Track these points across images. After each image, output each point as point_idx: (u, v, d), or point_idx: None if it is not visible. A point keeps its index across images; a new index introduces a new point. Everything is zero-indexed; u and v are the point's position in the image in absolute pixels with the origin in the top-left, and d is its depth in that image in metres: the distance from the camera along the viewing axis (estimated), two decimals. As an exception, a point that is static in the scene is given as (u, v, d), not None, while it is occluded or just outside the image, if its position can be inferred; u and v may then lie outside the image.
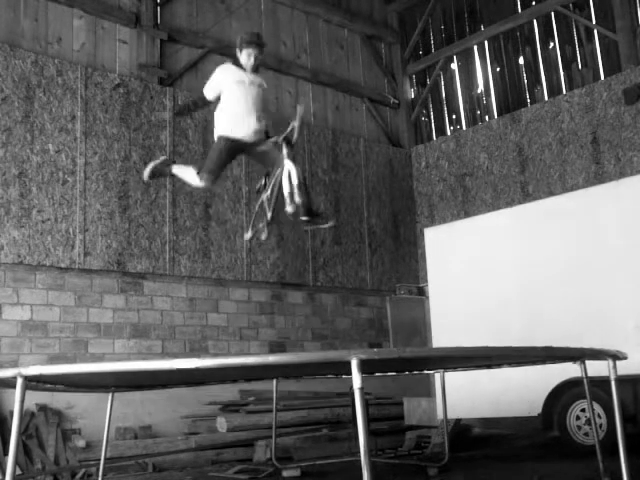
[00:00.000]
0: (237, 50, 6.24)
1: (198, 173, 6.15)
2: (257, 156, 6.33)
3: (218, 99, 6.23)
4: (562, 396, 7.16)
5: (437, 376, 7.20)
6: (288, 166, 5.87)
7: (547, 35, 11.30)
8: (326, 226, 6.41)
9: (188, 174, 6.29)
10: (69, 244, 8.51)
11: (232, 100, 6.14)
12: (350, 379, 3.11)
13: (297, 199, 5.80)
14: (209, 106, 6.46)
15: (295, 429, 8.71)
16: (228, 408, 9.00)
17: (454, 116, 12.45)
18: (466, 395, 7.47)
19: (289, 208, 5.89)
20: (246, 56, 6.16)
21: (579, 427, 7.09)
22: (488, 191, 11.35)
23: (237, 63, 6.22)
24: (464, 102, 12.34)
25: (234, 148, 6.15)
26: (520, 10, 11.50)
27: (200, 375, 4.38)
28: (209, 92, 6.23)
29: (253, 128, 6.09)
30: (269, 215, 6.33)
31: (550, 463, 6.69)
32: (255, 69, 6.27)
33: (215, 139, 6.22)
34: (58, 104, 8.68)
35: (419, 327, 10.87)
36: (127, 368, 3.49)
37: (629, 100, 9.80)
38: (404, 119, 12.74)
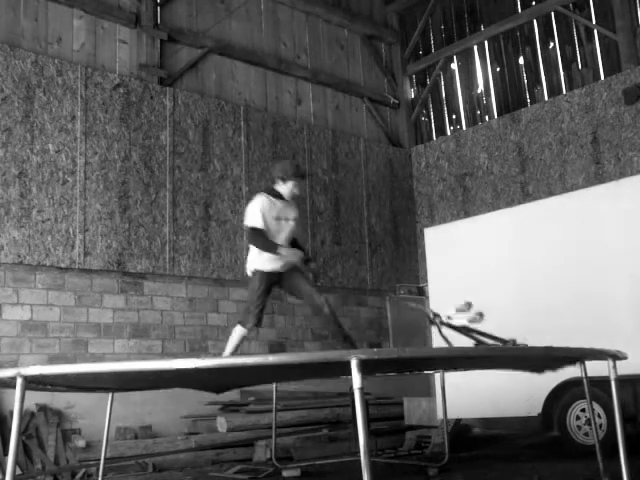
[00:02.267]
0: (278, 180, 6.13)
1: (241, 323, 6.12)
2: (289, 288, 6.22)
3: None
4: (562, 396, 7.15)
5: (437, 376, 7.19)
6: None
7: (547, 35, 11.30)
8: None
9: (236, 335, 6.26)
10: (69, 244, 8.51)
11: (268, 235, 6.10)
12: (350, 379, 3.11)
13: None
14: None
15: (295, 429, 8.70)
16: (228, 408, 9.00)
17: (454, 116, 12.45)
18: (466, 395, 7.46)
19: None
20: (291, 187, 6.07)
21: (579, 427, 7.09)
22: (488, 191, 11.35)
23: (272, 193, 6.14)
24: (464, 102, 12.34)
25: (269, 281, 6.09)
26: (520, 10, 11.50)
27: (200, 380, 4.36)
28: (259, 222, 6.02)
29: (285, 260, 6.00)
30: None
31: (550, 463, 6.69)
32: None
33: (249, 273, 6.21)
34: (58, 104, 8.68)
35: (419, 327, 10.86)
36: (127, 368, 3.49)
37: (629, 100, 9.80)
38: (404, 119, 12.75)
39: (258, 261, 6.03)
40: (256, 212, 6.01)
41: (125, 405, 8.16)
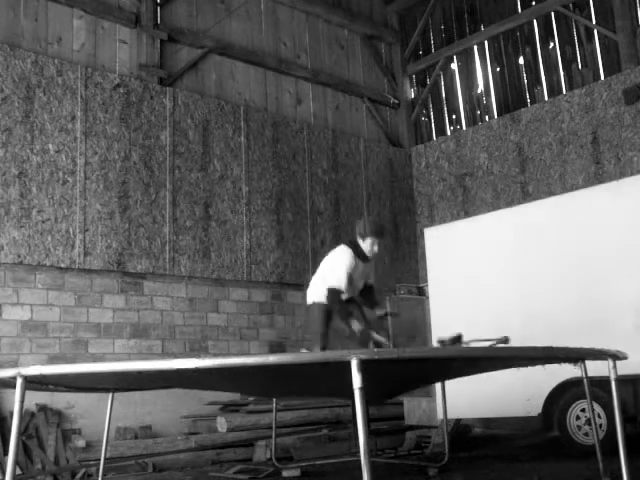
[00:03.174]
0: (359, 237, 6.35)
1: (308, 348, 6.43)
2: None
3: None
4: (562, 396, 7.15)
5: (437, 376, 7.18)
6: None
7: (547, 35, 11.30)
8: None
9: None
10: (69, 244, 8.51)
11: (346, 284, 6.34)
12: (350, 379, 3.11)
13: None
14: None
15: (295, 429, 8.70)
16: (228, 408, 9.00)
17: (454, 116, 12.45)
18: (466, 395, 7.45)
19: None
20: (371, 245, 6.30)
21: (579, 427, 7.09)
22: (488, 191, 11.35)
23: (356, 251, 6.34)
24: (464, 102, 12.34)
25: (330, 314, 6.36)
26: (520, 10, 11.50)
27: (198, 381, 4.36)
28: (343, 284, 6.24)
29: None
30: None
31: (550, 463, 6.69)
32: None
33: (311, 302, 6.43)
34: (58, 104, 8.68)
35: (419, 327, 10.86)
36: (127, 368, 3.49)
37: (629, 100, 9.80)
38: (404, 119, 12.75)
39: (318, 294, 6.34)
40: (343, 273, 6.24)
41: (125, 405, 8.17)
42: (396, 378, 4.45)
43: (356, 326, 6.17)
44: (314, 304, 6.37)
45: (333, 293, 6.22)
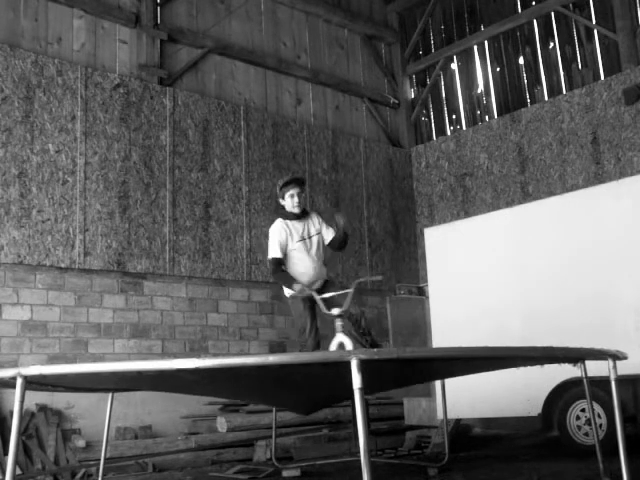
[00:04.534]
0: (280, 199, 6.01)
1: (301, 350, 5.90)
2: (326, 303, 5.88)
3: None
4: (562, 396, 7.15)
5: (437, 376, 7.18)
6: (340, 339, 5.56)
7: (547, 35, 11.30)
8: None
9: None
10: (69, 244, 8.51)
11: (294, 260, 5.97)
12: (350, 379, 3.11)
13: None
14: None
15: (295, 429, 8.70)
16: (228, 408, 8.99)
17: (454, 116, 12.45)
18: (466, 395, 7.46)
19: None
20: (290, 199, 5.91)
21: (579, 427, 7.09)
22: (488, 191, 11.35)
23: (284, 214, 5.98)
24: (464, 102, 12.34)
25: (309, 301, 5.93)
26: (520, 10, 11.50)
27: (197, 386, 4.35)
28: (276, 251, 5.95)
29: (316, 280, 5.88)
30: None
31: (550, 463, 6.69)
32: (303, 212, 6.00)
33: (288, 300, 6.04)
34: (58, 104, 8.68)
35: (419, 327, 10.86)
36: (127, 368, 3.49)
37: (629, 100, 9.80)
38: (404, 119, 12.74)
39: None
40: (273, 242, 5.93)
41: (125, 405, 8.18)
42: (394, 374, 4.44)
43: (298, 287, 5.69)
44: (292, 298, 5.95)
45: (270, 264, 6.00)
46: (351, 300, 5.67)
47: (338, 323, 5.52)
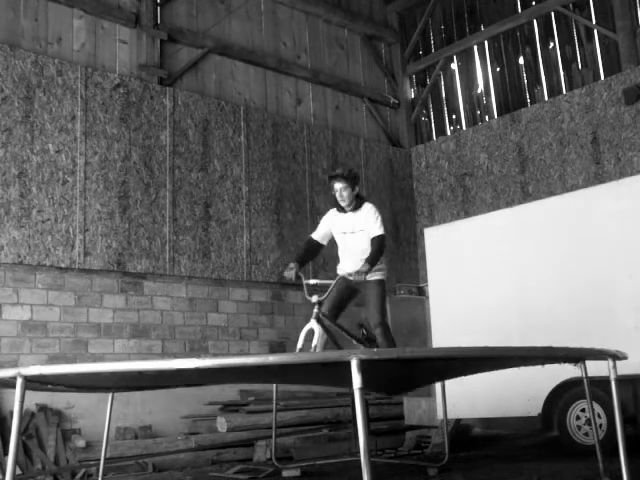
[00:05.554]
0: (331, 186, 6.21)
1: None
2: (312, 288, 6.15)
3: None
4: (562, 396, 7.15)
5: (437, 376, 7.18)
6: (311, 325, 5.82)
7: (547, 35, 11.30)
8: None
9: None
10: (69, 244, 8.51)
11: (339, 247, 6.33)
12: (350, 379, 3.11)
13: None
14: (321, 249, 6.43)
15: (295, 429, 8.70)
16: (228, 408, 9.00)
17: (454, 116, 12.46)
18: (466, 395, 7.46)
19: None
20: (333, 191, 6.11)
21: (579, 427, 7.09)
22: (488, 191, 11.35)
23: (337, 205, 6.19)
24: (464, 102, 12.34)
25: (346, 287, 6.11)
26: (520, 10, 11.50)
27: (200, 377, 4.37)
28: (317, 234, 6.33)
29: (354, 270, 5.93)
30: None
31: (550, 463, 6.69)
32: (355, 205, 6.11)
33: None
34: (58, 104, 8.68)
35: (419, 327, 10.86)
36: (127, 368, 3.49)
37: (629, 100, 9.80)
38: (404, 119, 12.75)
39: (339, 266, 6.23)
40: (320, 223, 6.32)
41: (125, 405, 8.18)
42: (394, 375, 4.44)
43: (287, 273, 6.02)
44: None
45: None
46: (331, 290, 5.96)
47: (314, 310, 5.80)
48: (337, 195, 6.07)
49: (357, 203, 6.13)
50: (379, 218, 6.08)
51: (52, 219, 8.43)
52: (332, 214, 6.27)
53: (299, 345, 5.83)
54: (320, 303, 5.83)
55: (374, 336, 6.10)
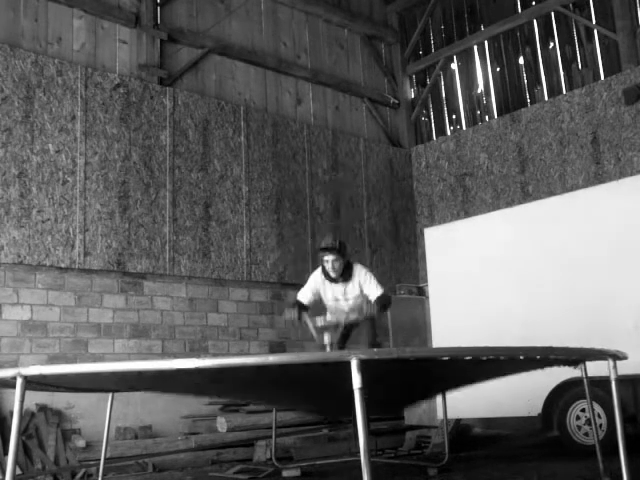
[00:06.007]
0: (320, 258, 6.20)
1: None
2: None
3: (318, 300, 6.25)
4: (562, 396, 7.15)
5: (437, 376, 7.18)
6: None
7: (547, 35, 11.30)
8: None
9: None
10: (69, 244, 8.51)
11: (327, 304, 6.27)
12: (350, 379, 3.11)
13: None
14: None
15: (295, 429, 8.70)
16: (228, 408, 8.99)
17: (454, 116, 12.45)
18: (466, 395, 7.45)
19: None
20: (323, 261, 6.09)
21: (579, 427, 7.09)
22: (488, 191, 11.34)
23: (326, 272, 6.16)
24: (464, 102, 12.34)
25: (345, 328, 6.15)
26: (520, 10, 11.50)
27: (198, 386, 4.35)
28: (304, 297, 6.25)
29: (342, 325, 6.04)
30: None
31: (550, 463, 6.69)
32: (344, 274, 6.09)
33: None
34: (58, 104, 8.68)
35: (419, 327, 10.86)
36: (127, 368, 3.49)
37: (629, 100, 9.80)
38: (404, 119, 12.74)
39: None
40: (306, 286, 6.24)
41: (125, 405, 8.17)
42: (395, 384, 4.44)
43: (288, 314, 6.07)
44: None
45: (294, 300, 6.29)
46: (339, 335, 5.95)
47: (327, 340, 5.79)
48: (328, 266, 6.03)
49: (347, 272, 6.11)
50: (373, 278, 6.09)
51: (52, 219, 8.43)
52: (321, 280, 6.17)
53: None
54: (332, 345, 5.80)
55: None
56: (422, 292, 11.17)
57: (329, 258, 6.00)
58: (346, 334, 6.23)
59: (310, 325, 6.02)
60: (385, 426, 9.15)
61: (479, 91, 12.18)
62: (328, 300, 6.18)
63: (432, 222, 11.61)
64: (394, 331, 11.01)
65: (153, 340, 9.01)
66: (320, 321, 6.01)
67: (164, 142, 9.49)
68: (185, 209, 9.53)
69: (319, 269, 6.21)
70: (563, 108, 10.59)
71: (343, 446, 8.26)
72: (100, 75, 9.09)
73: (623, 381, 4.48)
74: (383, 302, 6.04)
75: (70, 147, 8.69)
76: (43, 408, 7.75)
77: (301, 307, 6.24)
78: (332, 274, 6.06)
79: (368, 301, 6.08)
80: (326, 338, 5.78)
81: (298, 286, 10.38)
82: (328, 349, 5.75)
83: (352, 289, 6.09)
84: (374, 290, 6.05)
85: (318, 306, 6.32)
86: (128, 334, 8.83)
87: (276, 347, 10.06)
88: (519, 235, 7.76)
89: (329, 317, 5.97)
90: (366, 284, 6.05)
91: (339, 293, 6.13)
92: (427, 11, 12.57)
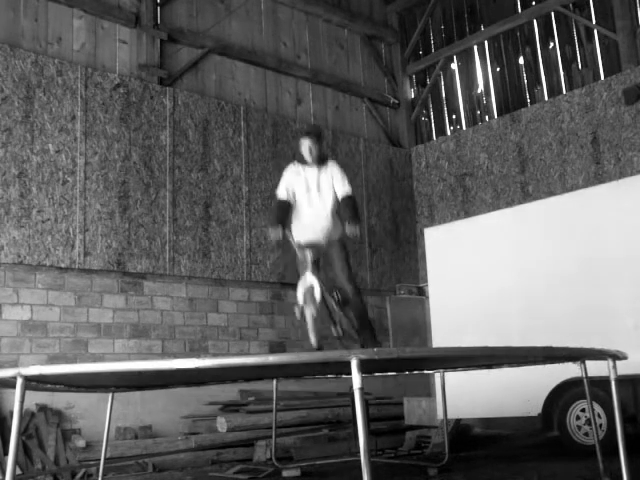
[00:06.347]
0: (299, 144, 6.14)
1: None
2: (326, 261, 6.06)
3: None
4: (562, 396, 7.16)
5: (437, 376, 7.20)
6: (310, 280, 5.75)
7: (547, 35, 11.30)
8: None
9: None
10: (69, 244, 8.51)
11: (299, 210, 6.11)
12: (350, 379, 3.11)
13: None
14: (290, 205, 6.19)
15: (295, 429, 8.71)
16: (228, 408, 9.00)
17: (454, 116, 12.45)
18: (466, 395, 7.46)
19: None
20: (301, 148, 6.07)
21: (579, 427, 7.09)
22: (488, 191, 11.35)
23: (300, 159, 6.12)
24: (464, 102, 12.34)
25: (317, 251, 5.98)
26: (520, 10, 11.50)
27: (200, 375, 4.38)
28: (282, 192, 6.15)
29: (322, 234, 5.91)
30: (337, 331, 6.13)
31: (550, 463, 6.69)
32: (319, 162, 6.08)
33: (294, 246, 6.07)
34: (58, 104, 8.68)
35: (419, 327, 10.87)
36: (127, 368, 3.49)
37: (629, 100, 9.80)
38: (404, 119, 12.74)
39: (296, 233, 6.03)
40: (281, 181, 6.13)
41: (125, 405, 8.17)
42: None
43: (271, 231, 5.93)
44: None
45: (273, 202, 6.26)
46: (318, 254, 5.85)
47: (309, 263, 5.75)
48: (306, 152, 6.02)
49: (322, 160, 6.11)
50: (345, 176, 6.07)
51: (52, 219, 8.43)
52: (294, 169, 6.14)
53: (300, 301, 5.76)
54: (313, 262, 5.79)
55: (347, 298, 6.01)
56: (422, 292, 11.17)
57: (309, 143, 6.02)
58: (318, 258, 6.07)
59: (293, 242, 5.97)
60: (385, 426, 9.16)
61: (479, 91, 12.18)
62: (300, 192, 6.03)
63: (432, 222, 11.61)
64: (394, 331, 11.02)
65: (153, 340, 9.01)
66: (301, 239, 5.97)
67: (164, 142, 9.49)
68: (185, 209, 9.53)
69: (291, 164, 6.22)
70: (563, 108, 10.59)
71: (343, 446, 8.26)
72: (100, 75, 9.09)
73: (623, 381, 4.48)
74: (354, 202, 6.02)
75: (70, 147, 8.69)
76: (43, 408, 7.75)
77: (283, 210, 6.12)
78: (309, 159, 6.05)
79: (342, 217, 5.97)
80: (308, 255, 5.77)
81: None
82: (309, 266, 5.73)
83: (325, 179, 6.04)
84: (344, 186, 6.01)
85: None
86: (128, 334, 8.83)
87: (276, 347, 10.06)
88: (519, 235, 7.76)
89: (310, 236, 5.90)
90: (338, 178, 6.03)
91: (312, 182, 6.04)
92: (427, 11, 12.57)
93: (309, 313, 5.79)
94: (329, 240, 5.98)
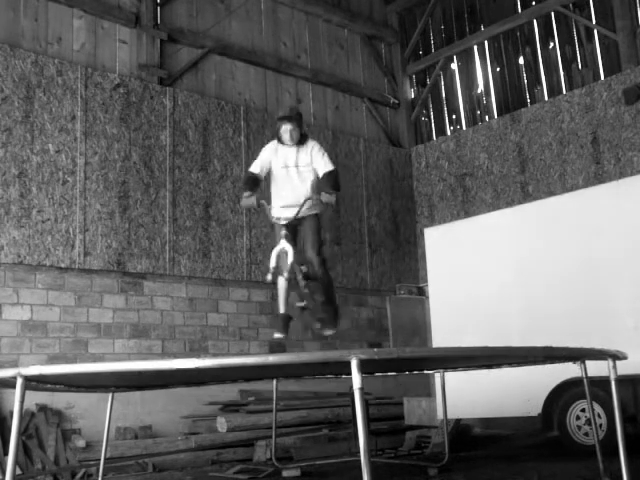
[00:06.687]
0: (279, 128, 6.06)
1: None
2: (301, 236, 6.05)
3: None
4: (562, 396, 7.16)
5: (437, 376, 7.20)
6: (282, 245, 5.74)
7: (547, 35, 11.30)
8: (326, 333, 6.17)
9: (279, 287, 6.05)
10: (69, 244, 8.51)
11: (276, 183, 6.07)
12: (350, 379, 3.11)
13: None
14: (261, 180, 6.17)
15: (295, 429, 8.71)
16: (228, 408, 9.00)
17: (454, 116, 12.45)
18: (466, 395, 7.46)
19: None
20: (283, 134, 5.98)
21: (579, 427, 7.09)
22: (488, 191, 11.35)
23: (280, 138, 6.04)
24: (464, 102, 12.34)
25: (289, 228, 5.93)
26: (520, 10, 11.50)
27: (200, 375, 4.39)
28: (255, 167, 6.10)
29: (299, 209, 5.84)
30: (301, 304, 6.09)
31: (550, 463, 6.69)
32: (301, 141, 6.00)
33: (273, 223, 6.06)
34: (58, 104, 8.68)
35: (419, 327, 10.87)
36: (127, 368, 3.49)
37: (629, 100, 9.80)
38: (404, 119, 12.74)
39: (274, 211, 6.00)
40: (257, 158, 6.09)
41: (125, 405, 8.18)
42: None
43: (243, 200, 5.91)
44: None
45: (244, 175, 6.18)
46: (300, 210, 5.78)
47: (282, 232, 5.75)
48: (286, 136, 5.94)
49: (302, 139, 6.03)
50: (326, 154, 6.01)
51: (52, 219, 8.43)
52: (273, 147, 6.06)
53: (272, 264, 5.74)
54: (287, 226, 5.77)
55: (313, 273, 5.97)
56: (422, 292, 11.17)
57: (289, 127, 5.92)
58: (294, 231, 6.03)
59: (267, 210, 5.94)
60: (385, 426, 9.16)
61: (479, 91, 12.18)
62: (278, 168, 5.98)
63: (432, 222, 11.61)
64: (394, 331, 11.02)
65: (153, 340, 9.01)
66: (275, 213, 5.95)
67: (164, 142, 9.49)
68: (185, 209, 9.53)
69: (270, 142, 6.14)
70: (563, 108, 10.59)
71: (343, 446, 8.26)
72: (100, 75, 9.09)
73: (623, 381, 4.48)
74: (336, 176, 5.94)
75: (70, 147, 8.70)
76: (43, 408, 7.75)
77: (253, 182, 6.06)
78: (289, 143, 5.97)
79: (320, 189, 5.92)
80: (284, 229, 5.75)
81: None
82: (284, 237, 5.71)
83: (304, 157, 5.97)
84: (325, 164, 5.94)
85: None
86: (128, 334, 8.83)
87: (276, 347, 10.05)
88: (519, 235, 7.76)
89: (286, 212, 5.85)
90: (317, 156, 5.96)
91: (291, 159, 5.98)
92: (427, 11, 12.57)
93: (281, 279, 5.82)
94: (305, 215, 5.93)
